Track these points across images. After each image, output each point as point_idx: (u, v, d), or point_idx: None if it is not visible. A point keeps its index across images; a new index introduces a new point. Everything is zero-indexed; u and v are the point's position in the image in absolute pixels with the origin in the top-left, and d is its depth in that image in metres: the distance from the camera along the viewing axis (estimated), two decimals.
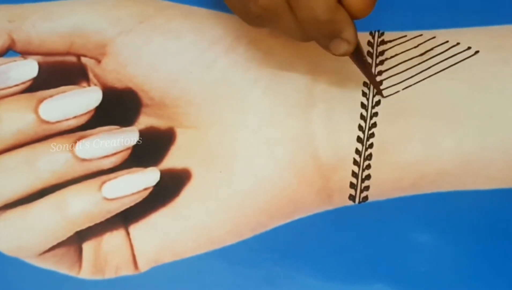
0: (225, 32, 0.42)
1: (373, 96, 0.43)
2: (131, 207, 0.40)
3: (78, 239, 0.42)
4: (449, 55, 0.43)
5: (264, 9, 0.35)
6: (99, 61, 0.43)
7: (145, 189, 0.40)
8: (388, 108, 0.42)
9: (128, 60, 0.42)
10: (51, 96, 0.40)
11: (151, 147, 0.43)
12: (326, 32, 0.35)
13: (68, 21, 0.42)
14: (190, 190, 0.42)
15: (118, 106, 0.43)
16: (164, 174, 0.41)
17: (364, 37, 0.43)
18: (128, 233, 0.42)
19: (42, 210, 0.40)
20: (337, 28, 0.35)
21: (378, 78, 0.43)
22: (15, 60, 0.41)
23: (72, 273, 0.41)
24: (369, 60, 0.43)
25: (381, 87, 0.43)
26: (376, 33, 0.44)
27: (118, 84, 0.43)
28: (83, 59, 0.44)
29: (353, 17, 0.36)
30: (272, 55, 0.42)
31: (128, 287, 0.41)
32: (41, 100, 0.40)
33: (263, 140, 0.42)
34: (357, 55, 0.39)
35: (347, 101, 0.42)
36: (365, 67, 0.41)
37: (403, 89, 0.42)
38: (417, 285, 0.40)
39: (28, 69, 0.41)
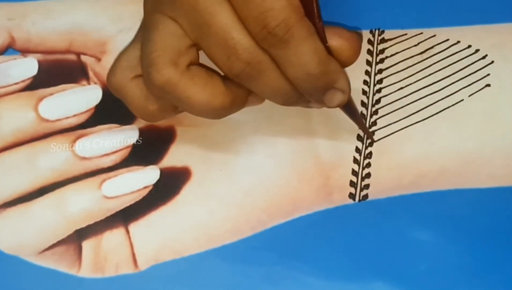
0: None
1: (373, 94, 0.43)
2: (131, 205, 0.40)
3: (78, 237, 0.42)
4: (449, 54, 0.43)
5: (247, 63, 0.33)
6: (99, 59, 0.42)
7: (145, 187, 0.40)
8: (388, 106, 0.42)
9: None
10: (51, 94, 0.40)
11: (151, 145, 0.43)
12: (319, 85, 0.34)
13: (68, 19, 0.42)
14: (190, 188, 0.42)
15: (118, 105, 0.43)
16: (164, 172, 0.41)
17: (364, 36, 0.43)
18: (128, 231, 0.42)
19: (42, 208, 0.40)
20: (331, 79, 0.34)
21: (378, 77, 0.43)
22: (15, 59, 0.41)
23: (72, 271, 0.41)
24: (369, 58, 0.43)
25: (381, 85, 0.43)
26: (377, 32, 0.43)
27: None
28: (83, 58, 0.43)
29: (342, 65, 0.35)
30: None
31: (128, 286, 0.41)
32: (41, 99, 0.40)
33: (263, 138, 0.42)
34: (349, 104, 0.37)
35: None
36: (357, 117, 0.40)
37: (403, 87, 0.42)
38: (417, 283, 0.40)
39: (28, 67, 0.41)
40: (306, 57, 0.33)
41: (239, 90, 0.35)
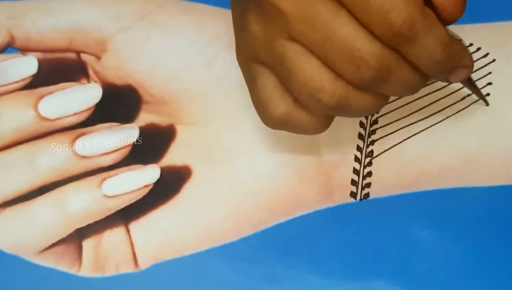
0: (226, 29, 0.42)
1: None
2: (131, 204, 0.40)
3: (78, 236, 0.41)
4: None
5: (378, 69, 0.32)
6: (99, 58, 0.42)
7: (146, 186, 0.40)
8: (390, 105, 0.42)
9: (128, 57, 0.42)
10: (51, 93, 0.40)
11: (152, 144, 0.42)
12: (447, 68, 0.34)
13: (68, 17, 0.42)
14: (191, 187, 0.42)
15: (118, 103, 0.43)
16: (165, 171, 0.41)
17: None
18: (128, 231, 0.42)
19: (42, 207, 0.40)
20: (457, 60, 0.34)
21: None
22: (14, 57, 0.41)
23: (72, 270, 0.41)
24: None
25: None
26: None
27: (118, 81, 0.42)
28: (83, 56, 0.43)
29: (448, 22, 0.34)
30: None
31: (129, 285, 0.40)
32: (41, 97, 0.40)
33: (264, 137, 0.42)
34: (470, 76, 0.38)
35: None
36: (474, 85, 0.40)
37: None
38: (418, 282, 0.40)
39: (27, 66, 0.40)
40: (432, 47, 0.33)
41: None
